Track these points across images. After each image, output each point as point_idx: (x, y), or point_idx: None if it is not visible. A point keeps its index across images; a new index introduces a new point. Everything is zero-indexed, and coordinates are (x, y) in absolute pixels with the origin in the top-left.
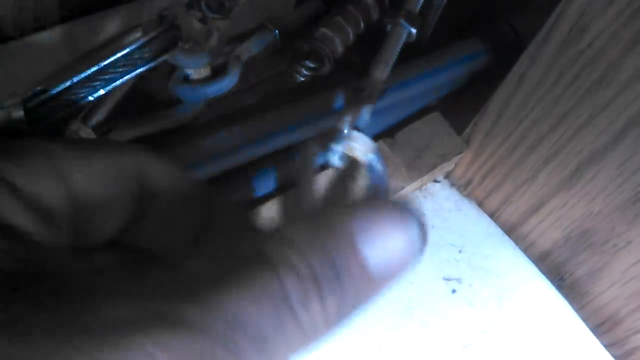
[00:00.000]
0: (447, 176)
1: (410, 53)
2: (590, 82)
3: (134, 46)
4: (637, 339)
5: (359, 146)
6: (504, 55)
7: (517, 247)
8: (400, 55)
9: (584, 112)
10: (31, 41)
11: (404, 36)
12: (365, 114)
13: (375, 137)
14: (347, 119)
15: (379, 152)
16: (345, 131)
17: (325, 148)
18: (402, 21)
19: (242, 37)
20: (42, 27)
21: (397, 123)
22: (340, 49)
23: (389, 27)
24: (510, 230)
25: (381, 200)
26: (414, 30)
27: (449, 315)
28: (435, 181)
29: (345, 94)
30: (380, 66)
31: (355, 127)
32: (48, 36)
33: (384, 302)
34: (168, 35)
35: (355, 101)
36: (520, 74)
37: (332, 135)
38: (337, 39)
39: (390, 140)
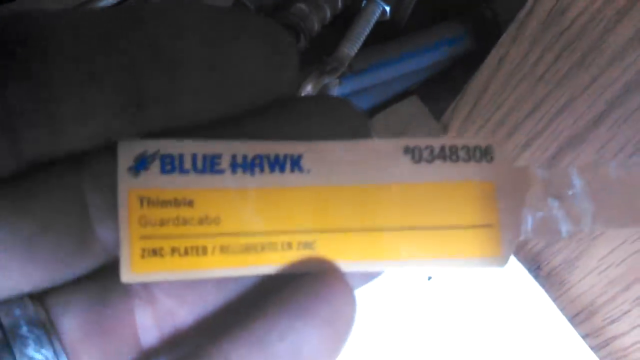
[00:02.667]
0: None
1: (390, 35)
2: (570, 63)
3: None
4: (613, 328)
5: None
6: (484, 39)
7: None
8: (380, 37)
9: (563, 95)
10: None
11: (377, 13)
12: (332, 88)
13: None
14: (308, 90)
15: None
16: None
17: None
18: None
19: None
20: None
21: (374, 106)
22: (316, 26)
23: (363, 4)
24: None
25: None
26: (387, 8)
27: (424, 302)
28: None
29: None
30: (350, 42)
31: None
32: None
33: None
34: None
35: (317, 73)
36: (500, 56)
37: None
38: (313, 15)
39: None
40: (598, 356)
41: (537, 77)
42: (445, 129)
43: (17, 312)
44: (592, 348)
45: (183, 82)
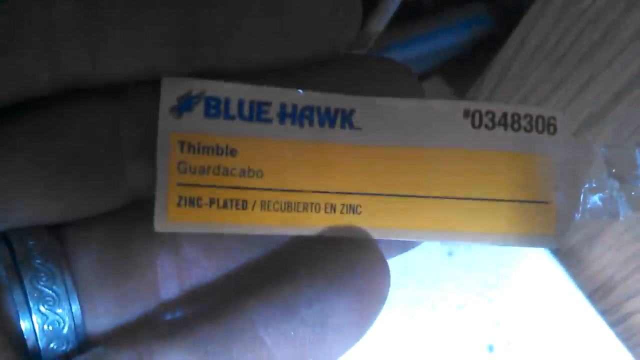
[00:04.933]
0: None
1: (415, 15)
2: (591, 42)
3: None
4: (631, 304)
5: None
6: (507, 20)
7: None
8: (405, 16)
9: (584, 74)
10: None
11: None
12: None
13: None
14: None
15: None
16: None
17: None
18: None
19: None
20: None
21: None
22: None
23: None
24: None
25: None
26: None
27: (445, 277)
28: None
29: None
30: (376, 18)
31: None
32: None
33: None
34: None
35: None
36: (522, 36)
37: None
38: None
39: None
40: (615, 332)
41: (559, 57)
42: None
43: (32, 242)
44: (609, 324)
45: (243, 23)
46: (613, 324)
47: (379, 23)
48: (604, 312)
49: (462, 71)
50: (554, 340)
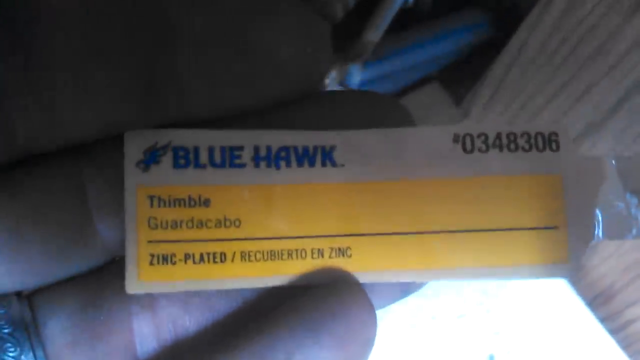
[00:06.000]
0: None
1: (412, 22)
2: (590, 50)
3: None
4: (631, 312)
5: None
6: (505, 26)
7: None
8: (402, 23)
9: (583, 82)
10: None
11: (401, 0)
12: (355, 74)
13: None
14: (332, 76)
15: None
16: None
17: None
18: None
19: None
20: None
21: (395, 92)
22: (339, 12)
23: None
24: None
25: None
26: None
27: (445, 287)
28: None
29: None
30: (373, 28)
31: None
32: None
33: None
34: None
35: (341, 60)
36: (521, 43)
37: None
38: (336, 1)
39: None
40: (615, 339)
41: (557, 64)
42: (465, 115)
43: (0, 311)
44: (609, 332)
45: (205, 67)
46: (613, 332)
47: (376, 31)
48: (604, 320)
49: (460, 77)
50: (554, 349)
